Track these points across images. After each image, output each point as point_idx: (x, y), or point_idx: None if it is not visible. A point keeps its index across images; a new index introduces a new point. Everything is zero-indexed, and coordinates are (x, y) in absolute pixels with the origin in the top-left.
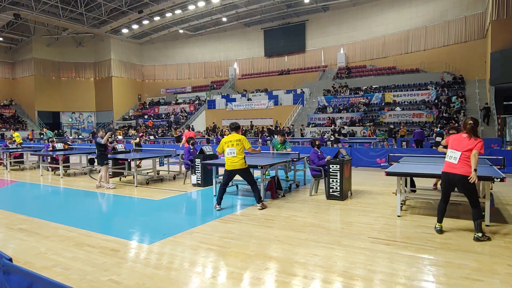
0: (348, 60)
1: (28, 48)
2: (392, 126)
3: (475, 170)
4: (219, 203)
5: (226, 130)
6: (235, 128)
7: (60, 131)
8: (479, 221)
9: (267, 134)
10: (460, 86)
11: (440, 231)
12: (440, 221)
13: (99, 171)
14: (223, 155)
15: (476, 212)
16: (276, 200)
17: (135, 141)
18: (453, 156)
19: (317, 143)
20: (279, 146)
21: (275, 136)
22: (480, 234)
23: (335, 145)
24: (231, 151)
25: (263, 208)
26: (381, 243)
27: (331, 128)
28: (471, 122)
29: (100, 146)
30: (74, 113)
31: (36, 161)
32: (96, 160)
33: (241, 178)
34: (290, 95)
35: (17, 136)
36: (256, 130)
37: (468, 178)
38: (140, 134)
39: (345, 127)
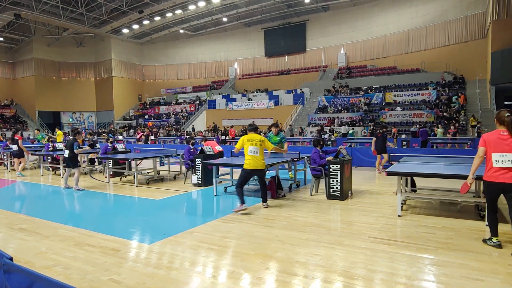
0: (348, 60)
1: (28, 48)
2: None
3: None
4: (243, 201)
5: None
6: (253, 129)
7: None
8: None
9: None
10: (460, 86)
11: (500, 245)
12: (497, 234)
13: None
14: (239, 152)
15: None
16: (277, 200)
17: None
18: (506, 160)
19: (320, 143)
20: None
21: (271, 130)
22: None
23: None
24: (255, 150)
25: (268, 206)
26: (381, 243)
27: (329, 128)
28: (508, 114)
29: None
30: (74, 113)
31: (37, 161)
32: (68, 162)
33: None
34: (290, 95)
35: (60, 134)
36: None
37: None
38: (140, 134)
39: (345, 126)
